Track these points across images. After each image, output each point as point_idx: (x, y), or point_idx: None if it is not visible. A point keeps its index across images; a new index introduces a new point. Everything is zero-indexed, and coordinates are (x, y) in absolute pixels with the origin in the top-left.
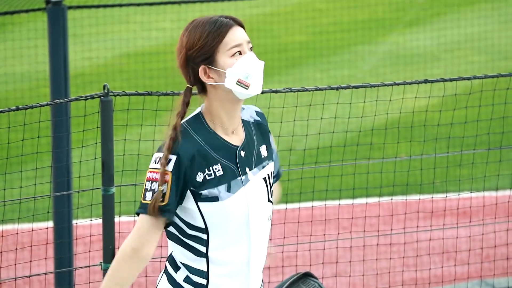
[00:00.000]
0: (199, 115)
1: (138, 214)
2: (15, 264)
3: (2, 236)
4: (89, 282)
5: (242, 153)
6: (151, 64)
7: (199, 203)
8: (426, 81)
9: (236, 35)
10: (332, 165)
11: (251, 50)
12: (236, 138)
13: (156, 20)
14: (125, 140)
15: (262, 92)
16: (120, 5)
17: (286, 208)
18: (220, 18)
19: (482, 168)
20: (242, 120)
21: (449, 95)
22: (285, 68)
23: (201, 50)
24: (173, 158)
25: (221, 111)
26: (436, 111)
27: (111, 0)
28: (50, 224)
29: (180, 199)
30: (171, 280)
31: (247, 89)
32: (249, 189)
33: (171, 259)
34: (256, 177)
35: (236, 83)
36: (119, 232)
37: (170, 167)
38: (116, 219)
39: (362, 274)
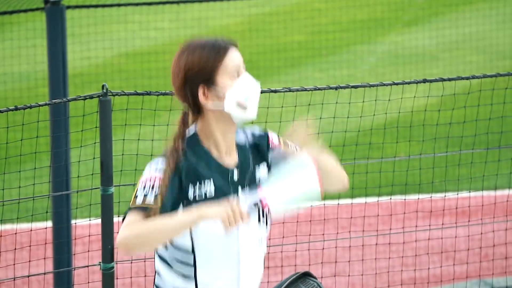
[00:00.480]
0: (195, 136)
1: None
2: (14, 264)
3: (1, 236)
4: (88, 282)
5: (235, 175)
6: (150, 64)
7: None
8: (425, 81)
9: (234, 56)
10: None
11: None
12: (230, 159)
13: (155, 20)
14: (124, 140)
15: (262, 92)
16: (119, 5)
17: None
18: (218, 41)
19: (481, 167)
20: (237, 144)
21: (448, 95)
22: (284, 68)
23: (201, 71)
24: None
25: (216, 132)
26: (435, 110)
27: (110, 0)
28: (49, 224)
29: (173, 208)
30: None
31: (245, 111)
32: None
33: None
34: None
35: (236, 105)
36: (117, 232)
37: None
38: (115, 219)
39: (361, 273)
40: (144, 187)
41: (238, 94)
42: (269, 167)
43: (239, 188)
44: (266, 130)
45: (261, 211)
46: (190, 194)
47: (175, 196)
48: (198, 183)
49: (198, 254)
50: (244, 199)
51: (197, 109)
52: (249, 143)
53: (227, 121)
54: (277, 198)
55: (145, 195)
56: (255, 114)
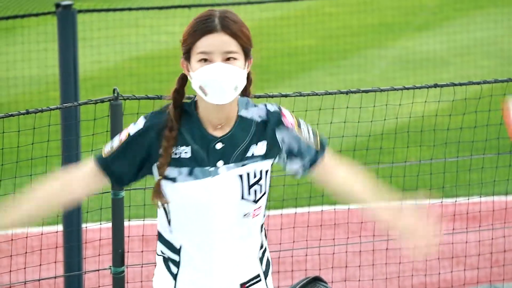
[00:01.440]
0: (193, 102)
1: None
2: (25, 268)
3: (12, 239)
4: (99, 286)
5: (218, 145)
6: (161, 68)
7: (161, 181)
8: (435, 86)
9: (209, 42)
10: None
11: (228, 60)
12: (220, 131)
13: (166, 24)
14: None
15: (272, 96)
16: (130, 9)
17: (296, 212)
18: (210, 20)
19: (492, 172)
20: (241, 116)
21: (459, 100)
22: (295, 72)
23: (183, 44)
24: (142, 124)
25: (203, 103)
26: (446, 115)
27: (121, 4)
28: (60, 228)
29: (137, 171)
30: (157, 252)
31: (205, 96)
32: (216, 182)
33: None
34: (229, 173)
35: (198, 88)
36: (128, 236)
37: (132, 130)
38: (126, 223)
39: (371, 278)
40: (113, 140)
41: (198, 79)
42: (272, 145)
43: (221, 158)
44: (281, 108)
45: (248, 186)
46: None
47: (139, 157)
48: (178, 146)
49: (171, 212)
50: (224, 170)
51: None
52: (258, 119)
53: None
54: None
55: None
56: (221, 101)
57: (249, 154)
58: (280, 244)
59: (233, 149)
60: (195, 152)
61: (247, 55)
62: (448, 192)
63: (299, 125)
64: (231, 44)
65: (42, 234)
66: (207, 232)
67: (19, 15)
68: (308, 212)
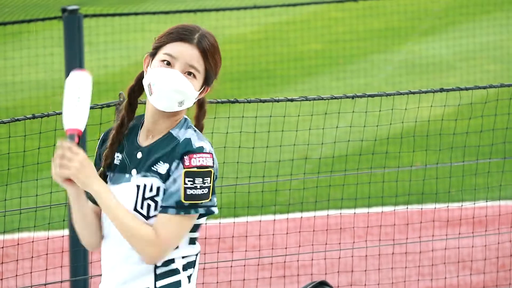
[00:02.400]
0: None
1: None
2: (31, 272)
3: (18, 244)
4: None
5: (139, 155)
6: None
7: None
8: (441, 90)
9: (179, 49)
10: (348, 173)
11: (188, 74)
12: (148, 141)
13: None
14: None
15: (278, 101)
16: (136, 14)
17: (302, 217)
18: (190, 31)
19: (498, 177)
20: (170, 133)
21: (465, 104)
22: (301, 76)
23: (156, 41)
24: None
25: (148, 108)
26: (452, 120)
27: (127, 8)
28: (66, 232)
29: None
30: None
31: (150, 95)
32: (122, 188)
33: None
34: (132, 180)
35: (147, 85)
36: None
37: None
38: None
39: (377, 283)
40: None
41: (149, 76)
42: (167, 172)
43: (135, 167)
44: (202, 149)
45: (142, 198)
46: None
47: (97, 160)
48: (117, 152)
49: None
50: (134, 178)
51: None
52: (178, 142)
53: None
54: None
55: None
56: (161, 107)
57: (154, 168)
58: (286, 248)
59: (146, 159)
60: (123, 159)
61: (207, 80)
62: (454, 197)
63: (192, 175)
64: (197, 61)
65: (48, 238)
66: (106, 237)
67: (25, 20)
68: (314, 216)
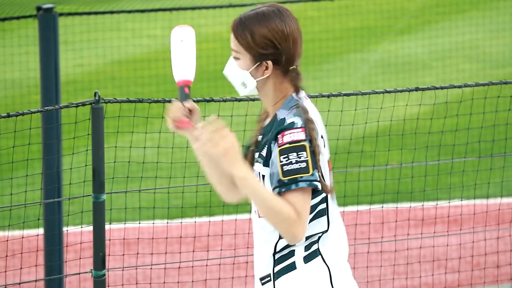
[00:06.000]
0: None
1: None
2: (5, 271)
3: None
4: None
5: (259, 138)
6: (143, 72)
7: None
8: (417, 89)
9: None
10: None
11: (235, 59)
12: (264, 123)
13: (147, 28)
14: (116, 147)
15: (254, 100)
16: (111, 12)
17: None
18: (233, 20)
19: (473, 176)
20: (276, 114)
21: (440, 103)
22: None
23: None
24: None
25: None
26: (428, 119)
27: (103, 7)
28: (41, 231)
29: None
30: None
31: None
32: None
33: None
34: (256, 165)
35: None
36: (109, 239)
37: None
38: (107, 226)
39: None
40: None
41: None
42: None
43: (256, 151)
44: (294, 124)
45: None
46: None
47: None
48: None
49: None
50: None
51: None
52: (279, 121)
53: None
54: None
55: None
56: (238, 92)
57: (262, 153)
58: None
59: (263, 143)
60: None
61: (257, 57)
62: (429, 195)
63: (285, 152)
64: (233, 43)
65: (23, 237)
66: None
67: (0, 18)
68: None
